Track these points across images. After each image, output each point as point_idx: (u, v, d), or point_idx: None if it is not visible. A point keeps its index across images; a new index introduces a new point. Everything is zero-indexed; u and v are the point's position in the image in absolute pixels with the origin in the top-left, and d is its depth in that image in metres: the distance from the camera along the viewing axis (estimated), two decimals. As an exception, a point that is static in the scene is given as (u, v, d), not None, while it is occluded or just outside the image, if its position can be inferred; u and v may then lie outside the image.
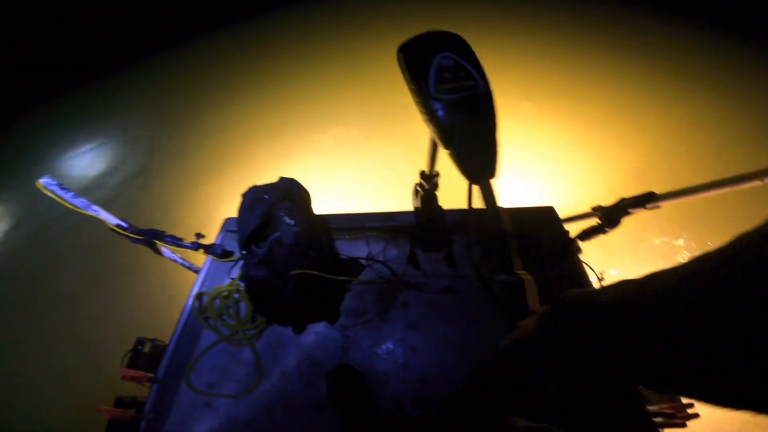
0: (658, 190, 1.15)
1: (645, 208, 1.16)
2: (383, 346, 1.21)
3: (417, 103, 0.72)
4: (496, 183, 0.73)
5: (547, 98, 3.44)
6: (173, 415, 1.16)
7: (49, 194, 1.01)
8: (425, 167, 1.04)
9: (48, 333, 2.49)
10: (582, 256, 1.31)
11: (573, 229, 1.32)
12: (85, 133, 4.37)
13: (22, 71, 5.87)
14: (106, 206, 1.12)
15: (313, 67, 4.46)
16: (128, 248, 1.19)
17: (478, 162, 0.71)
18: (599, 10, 4.62)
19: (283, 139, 3.52)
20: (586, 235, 1.28)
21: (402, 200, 1.33)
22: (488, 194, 0.72)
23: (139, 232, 1.13)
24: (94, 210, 1.08)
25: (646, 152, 2.87)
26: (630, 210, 1.18)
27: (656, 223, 2.38)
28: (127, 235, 1.12)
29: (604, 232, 1.24)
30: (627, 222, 1.21)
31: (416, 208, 1.20)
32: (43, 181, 1.00)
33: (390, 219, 1.34)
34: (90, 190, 3.38)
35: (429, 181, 1.08)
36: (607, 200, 1.24)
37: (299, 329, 1.26)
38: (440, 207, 1.19)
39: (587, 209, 1.28)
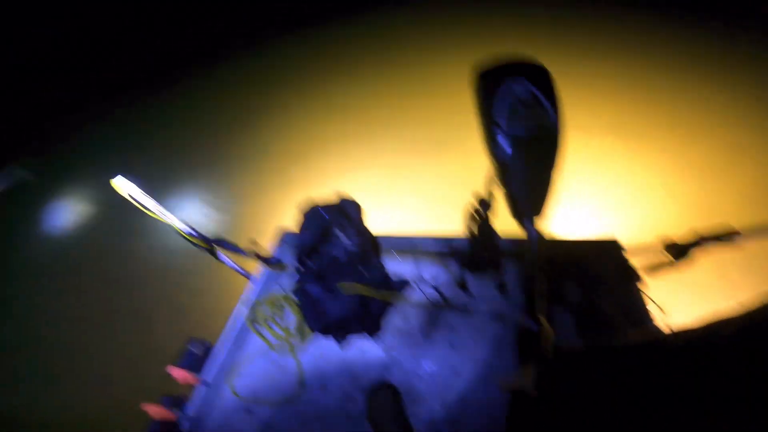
0: (738, 225, 1.06)
1: (723, 245, 1.08)
2: (425, 367, 1.19)
3: (481, 127, 0.70)
4: (543, 221, 0.70)
5: (619, 119, 3.24)
6: (214, 417, 1.19)
7: (122, 193, 1.08)
8: (484, 193, 1.02)
9: (103, 323, 2.68)
10: (646, 290, 1.23)
11: (638, 262, 1.24)
12: (159, 136, 4.67)
13: (101, 73, 6.28)
14: (172, 209, 1.18)
15: (382, 78, 4.44)
16: (189, 250, 1.25)
17: (527, 201, 0.69)
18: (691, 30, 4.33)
19: (344, 151, 3.56)
20: (654, 269, 1.19)
21: (456, 224, 1.31)
22: (531, 234, 0.69)
23: (201, 237, 1.18)
24: (163, 213, 1.14)
25: (728, 184, 2.64)
26: (706, 246, 1.10)
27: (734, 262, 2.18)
28: (191, 240, 1.17)
29: (674, 267, 1.16)
30: (701, 259, 1.12)
31: (470, 233, 1.17)
32: (117, 181, 1.07)
33: (443, 242, 1.33)
34: (157, 191, 3.61)
35: (486, 207, 1.05)
36: (680, 234, 1.16)
37: (344, 344, 1.27)
38: (496, 234, 1.16)
39: (656, 242, 1.20)
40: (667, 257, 1.16)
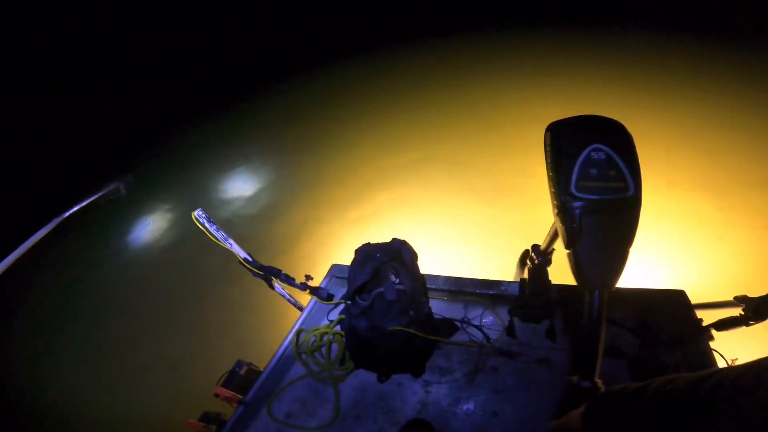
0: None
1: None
2: (463, 407, 1.17)
3: (551, 190, 0.68)
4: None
5: (701, 171, 3.04)
6: None
7: (199, 225, 1.19)
8: (540, 241, 1.01)
9: (162, 336, 2.84)
10: (713, 344, 1.14)
11: (708, 317, 1.16)
12: (232, 156, 4.92)
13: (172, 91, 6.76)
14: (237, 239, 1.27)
15: (448, 117, 4.40)
16: (249, 279, 1.32)
17: (597, 272, 0.65)
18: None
19: (403, 191, 3.55)
20: (724, 325, 1.11)
21: (502, 270, 1.30)
22: (596, 304, 0.66)
23: (261, 267, 1.26)
24: (230, 243, 1.23)
25: None
26: (783, 306, 1.01)
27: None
28: (250, 269, 1.25)
29: (747, 324, 1.07)
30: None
31: (522, 279, 1.16)
32: (196, 214, 1.18)
33: (490, 286, 1.32)
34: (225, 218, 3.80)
35: (542, 256, 1.04)
36: (752, 291, 1.08)
37: (384, 378, 1.27)
38: (549, 281, 1.13)
39: (728, 298, 1.13)
40: (741, 314, 1.08)
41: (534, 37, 5.59)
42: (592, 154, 0.63)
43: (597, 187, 0.62)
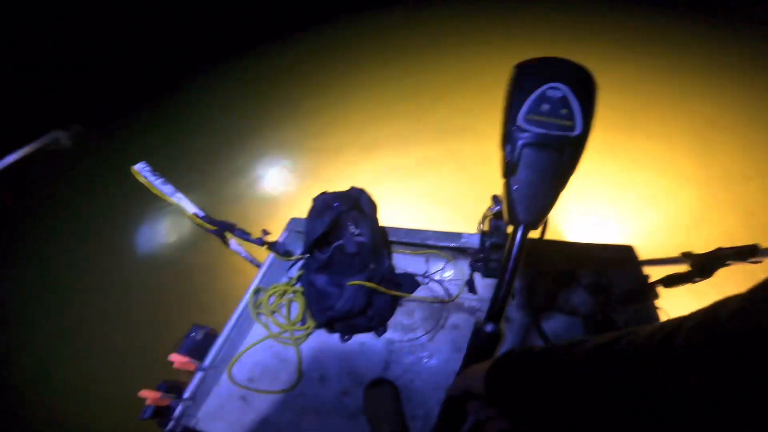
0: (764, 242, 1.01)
1: (745, 261, 1.03)
2: (426, 365, 1.18)
3: (502, 122, 0.67)
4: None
5: (652, 123, 3.10)
6: (209, 403, 1.20)
7: (141, 179, 1.10)
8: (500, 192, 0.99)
9: (112, 310, 2.72)
10: (659, 302, 1.19)
11: (656, 273, 1.20)
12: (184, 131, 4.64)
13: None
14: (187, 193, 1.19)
15: (407, 69, 4.39)
16: (201, 237, 1.26)
17: (525, 207, 0.64)
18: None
19: (362, 143, 3.54)
20: (671, 281, 1.15)
21: (467, 222, 1.28)
22: (518, 243, 0.66)
23: (213, 222, 1.19)
24: (178, 197, 1.15)
25: (756, 195, 2.53)
26: (728, 262, 1.05)
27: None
28: (201, 224, 1.18)
29: (693, 281, 1.11)
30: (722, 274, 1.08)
31: (482, 232, 1.15)
32: (138, 167, 1.09)
33: (452, 239, 1.31)
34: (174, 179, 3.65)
35: (501, 207, 1.03)
36: (700, 247, 1.11)
37: (346, 338, 1.27)
38: (507, 234, 1.14)
39: (676, 254, 1.16)
40: (687, 270, 1.12)
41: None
42: (548, 91, 0.61)
43: (544, 122, 0.61)
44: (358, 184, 1.18)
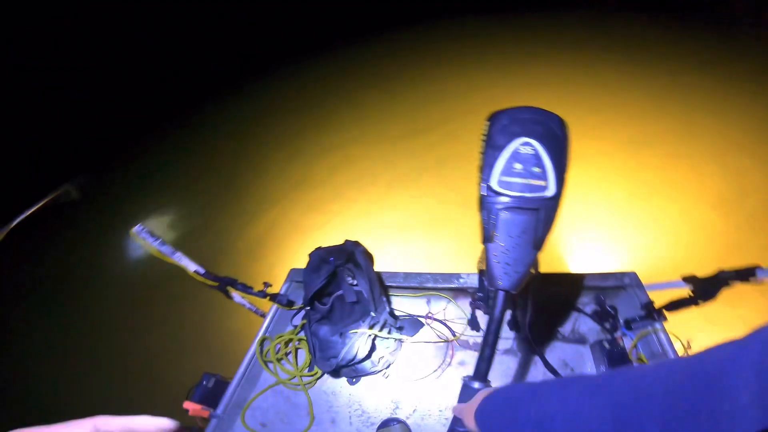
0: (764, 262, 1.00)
1: (748, 282, 1.02)
2: (436, 403, 1.17)
3: (477, 185, 0.66)
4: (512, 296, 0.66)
5: (640, 149, 3.14)
6: None
7: (141, 242, 1.13)
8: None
9: (124, 360, 2.75)
10: (666, 324, 1.18)
11: (658, 298, 1.19)
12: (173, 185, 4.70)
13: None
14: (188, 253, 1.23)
15: (395, 117, 4.40)
16: (205, 292, 1.29)
17: (506, 275, 0.63)
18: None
19: (356, 195, 3.55)
20: (675, 306, 1.14)
21: (466, 263, 1.30)
22: (499, 305, 0.65)
23: (215, 278, 1.22)
24: (178, 257, 1.19)
25: (750, 216, 2.50)
26: (730, 282, 1.04)
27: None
28: (204, 281, 1.21)
29: (696, 304, 1.10)
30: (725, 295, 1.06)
31: (480, 270, 1.16)
32: (136, 230, 1.13)
33: (452, 279, 1.32)
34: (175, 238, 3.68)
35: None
36: (701, 269, 1.11)
37: (353, 381, 1.27)
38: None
39: (677, 277, 1.15)
40: (690, 294, 1.11)
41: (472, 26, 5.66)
42: (521, 147, 0.60)
43: (517, 183, 0.60)
44: (353, 231, 1.20)
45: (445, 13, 6.25)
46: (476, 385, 0.64)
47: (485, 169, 0.62)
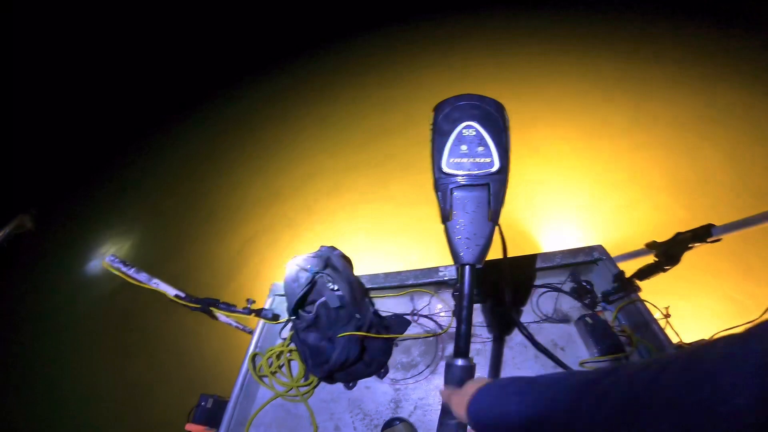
0: (717, 221, 1.07)
1: (705, 242, 1.08)
2: (435, 397, 1.19)
3: (431, 169, 0.70)
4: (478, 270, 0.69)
5: (589, 129, 3.30)
6: None
7: (115, 272, 1.13)
8: None
9: (122, 388, 2.67)
10: (642, 294, 1.23)
11: (628, 268, 1.24)
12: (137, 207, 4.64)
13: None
14: (163, 276, 1.22)
15: (358, 121, 4.52)
16: (189, 314, 1.28)
17: (468, 249, 0.67)
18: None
19: (326, 202, 3.61)
20: (644, 274, 1.19)
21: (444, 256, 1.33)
22: (467, 283, 0.68)
23: (196, 300, 1.21)
24: (155, 283, 1.18)
25: (698, 178, 2.66)
26: (689, 245, 1.10)
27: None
28: (185, 305, 1.20)
29: (663, 270, 1.16)
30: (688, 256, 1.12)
31: (456, 261, 1.19)
32: (108, 260, 1.12)
33: (432, 274, 1.35)
34: (148, 261, 3.62)
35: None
36: (662, 235, 1.17)
37: (350, 385, 1.27)
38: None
39: (641, 246, 1.21)
40: (655, 260, 1.16)
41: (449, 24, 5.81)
42: (464, 130, 0.66)
43: (465, 163, 0.65)
44: (328, 239, 1.23)
45: (399, 19, 6.42)
46: (459, 362, 0.67)
47: (435, 154, 0.67)
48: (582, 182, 2.91)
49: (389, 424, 1.13)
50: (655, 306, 1.21)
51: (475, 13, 5.82)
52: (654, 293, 1.24)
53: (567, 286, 1.35)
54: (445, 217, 0.67)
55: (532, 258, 1.32)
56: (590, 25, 4.87)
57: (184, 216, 4.08)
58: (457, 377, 0.66)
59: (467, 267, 0.67)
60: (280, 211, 3.64)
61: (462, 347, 0.67)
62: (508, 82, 4.17)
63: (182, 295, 1.19)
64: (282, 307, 1.48)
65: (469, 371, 0.67)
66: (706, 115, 3.12)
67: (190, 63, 7.16)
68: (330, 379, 1.27)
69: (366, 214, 3.27)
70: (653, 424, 0.33)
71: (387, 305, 1.43)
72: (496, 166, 0.64)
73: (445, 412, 0.71)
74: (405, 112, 4.24)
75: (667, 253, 1.12)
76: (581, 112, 3.54)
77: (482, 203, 0.65)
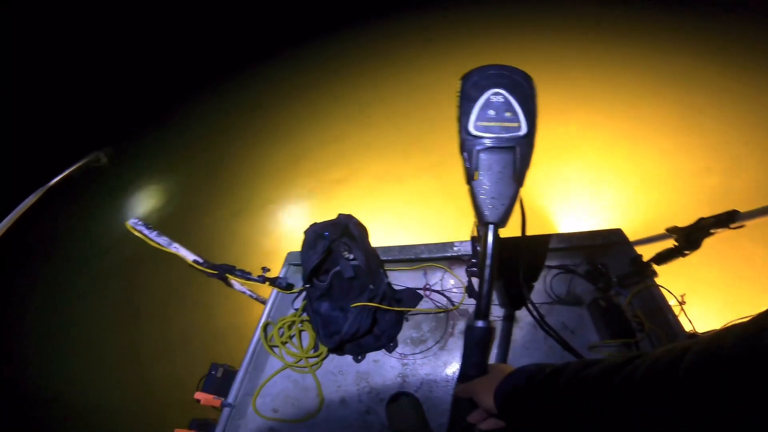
0: (742, 207, 1.04)
1: (728, 227, 1.06)
2: (442, 374, 1.20)
3: (457, 132, 0.72)
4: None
5: (617, 109, 3.22)
6: None
7: (137, 234, 1.15)
8: None
9: (134, 353, 2.77)
10: (658, 280, 1.21)
11: (646, 252, 1.22)
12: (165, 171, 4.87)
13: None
14: (184, 242, 1.25)
15: (382, 93, 4.57)
16: (204, 284, 1.31)
17: (492, 209, 0.68)
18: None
19: (342, 169, 3.66)
20: (662, 258, 1.18)
21: (462, 230, 1.33)
22: (491, 242, 0.69)
23: (213, 267, 1.24)
24: (175, 247, 1.20)
25: (725, 165, 2.59)
26: (711, 230, 1.08)
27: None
28: (203, 270, 1.23)
29: (682, 255, 1.14)
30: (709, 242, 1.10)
31: (473, 237, 1.19)
32: (131, 222, 1.14)
33: (446, 249, 1.35)
34: (169, 226, 3.74)
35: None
36: (683, 220, 1.14)
37: (359, 358, 1.29)
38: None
39: (661, 230, 1.19)
40: (675, 245, 1.14)
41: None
42: (492, 97, 0.67)
43: (493, 127, 0.66)
44: (346, 210, 1.23)
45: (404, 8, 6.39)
46: (480, 323, 0.68)
47: (462, 117, 0.68)
48: (604, 164, 2.86)
49: (395, 398, 1.14)
50: (670, 292, 1.20)
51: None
52: (670, 279, 1.23)
53: (582, 269, 1.33)
54: (471, 177, 0.68)
55: (548, 238, 1.31)
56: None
57: (206, 183, 4.24)
58: (477, 338, 0.67)
59: (491, 226, 0.68)
60: (300, 182, 3.71)
61: (483, 307, 0.68)
62: (536, 60, 4.07)
63: (200, 260, 1.21)
64: (296, 277, 1.50)
65: (489, 333, 0.68)
66: (748, 110, 3.01)
67: (241, 31, 7.48)
68: (340, 350, 1.29)
69: (385, 188, 3.29)
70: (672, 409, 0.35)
71: (400, 279, 1.44)
72: (524, 130, 0.66)
73: (458, 405, 0.72)
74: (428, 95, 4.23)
75: (689, 238, 1.10)
76: (608, 93, 3.46)
77: (508, 165, 0.66)
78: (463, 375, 0.72)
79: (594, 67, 3.86)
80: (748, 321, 0.32)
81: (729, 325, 0.36)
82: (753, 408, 0.28)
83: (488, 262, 0.67)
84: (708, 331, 1.18)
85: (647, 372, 0.39)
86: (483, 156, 0.66)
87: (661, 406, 0.36)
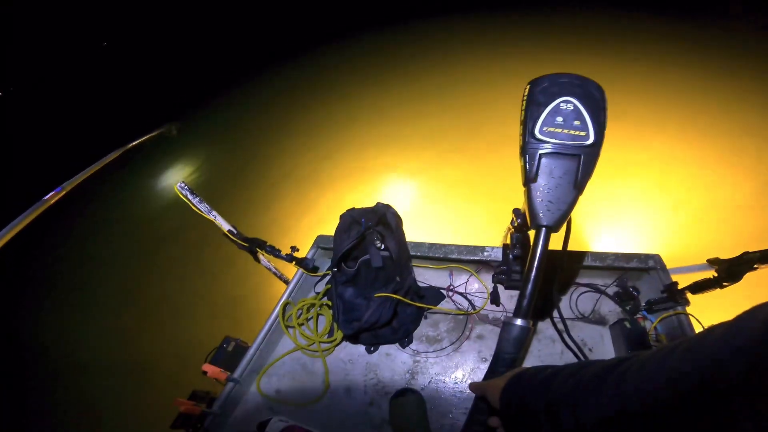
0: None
1: (773, 264, 1.02)
2: (452, 375, 1.19)
3: (520, 134, 0.72)
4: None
5: (678, 134, 3.13)
6: (236, 414, 1.22)
7: (182, 197, 1.19)
8: (521, 205, 1.03)
9: (152, 317, 2.86)
10: (689, 309, 1.18)
11: (683, 280, 1.19)
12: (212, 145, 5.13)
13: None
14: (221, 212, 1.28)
15: (430, 86, 4.65)
16: (234, 255, 1.33)
17: (548, 212, 0.68)
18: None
19: (387, 160, 3.69)
20: (699, 287, 1.14)
21: (491, 235, 1.32)
22: (542, 244, 0.69)
23: (245, 239, 1.26)
24: (213, 215, 1.24)
25: None
26: (756, 265, 1.04)
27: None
28: (235, 241, 1.25)
29: (721, 286, 1.10)
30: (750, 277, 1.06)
31: (504, 245, 1.18)
32: (178, 186, 1.19)
33: (476, 252, 1.34)
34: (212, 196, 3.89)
35: (522, 219, 1.06)
36: (725, 253, 1.11)
37: (372, 349, 1.29)
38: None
39: (702, 261, 1.16)
40: (715, 276, 1.11)
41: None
42: (561, 104, 0.66)
43: (559, 133, 0.66)
44: (383, 199, 1.23)
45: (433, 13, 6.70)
46: (519, 322, 0.68)
47: (528, 121, 0.68)
48: (652, 187, 2.78)
49: (400, 393, 1.13)
50: (699, 322, 1.17)
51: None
52: (699, 310, 1.19)
53: (611, 290, 1.31)
54: (530, 180, 0.68)
55: (583, 255, 1.29)
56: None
57: (253, 162, 4.40)
58: (514, 335, 0.67)
59: (543, 229, 0.67)
60: (335, 172, 3.77)
61: (525, 307, 0.67)
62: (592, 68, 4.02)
63: (234, 231, 1.24)
64: (322, 261, 1.51)
65: (526, 333, 0.68)
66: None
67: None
68: (355, 339, 1.29)
69: (423, 183, 3.31)
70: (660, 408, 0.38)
71: (425, 276, 1.44)
72: (591, 140, 0.65)
73: (477, 407, 0.72)
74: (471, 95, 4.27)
75: (730, 270, 1.07)
76: (664, 111, 3.37)
77: (569, 171, 0.66)
78: (491, 371, 0.72)
79: (648, 81, 3.78)
80: (729, 321, 0.35)
81: (711, 326, 0.38)
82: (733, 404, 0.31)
83: (536, 264, 0.67)
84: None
85: (639, 370, 0.41)
86: (545, 160, 0.66)
87: (652, 402, 0.38)
